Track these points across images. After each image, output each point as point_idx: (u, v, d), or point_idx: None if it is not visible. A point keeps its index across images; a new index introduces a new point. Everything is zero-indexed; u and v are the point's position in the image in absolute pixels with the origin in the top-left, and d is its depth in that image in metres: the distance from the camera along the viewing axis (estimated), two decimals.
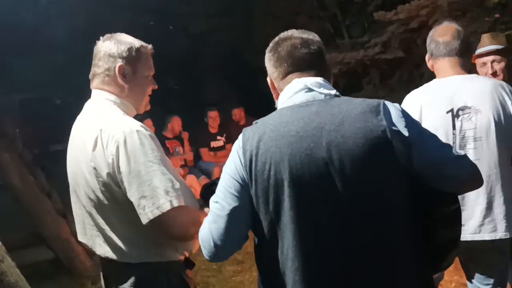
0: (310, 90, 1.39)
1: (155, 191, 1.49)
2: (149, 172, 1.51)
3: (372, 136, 1.27)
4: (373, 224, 1.28)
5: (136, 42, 1.72)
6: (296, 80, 1.42)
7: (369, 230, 1.28)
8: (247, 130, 1.39)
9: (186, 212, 1.57)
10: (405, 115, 1.35)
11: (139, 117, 1.77)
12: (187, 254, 1.73)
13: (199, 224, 1.49)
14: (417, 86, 6.82)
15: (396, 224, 1.30)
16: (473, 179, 1.42)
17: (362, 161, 1.26)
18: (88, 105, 1.74)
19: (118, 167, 1.52)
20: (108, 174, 1.55)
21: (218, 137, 6.64)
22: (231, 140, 6.73)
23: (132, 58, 1.69)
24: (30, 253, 4.38)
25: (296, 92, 1.40)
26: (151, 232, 1.56)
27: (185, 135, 6.47)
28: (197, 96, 9.75)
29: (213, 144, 6.58)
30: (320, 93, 1.38)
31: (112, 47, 1.68)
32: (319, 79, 1.42)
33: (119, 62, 1.67)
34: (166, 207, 1.49)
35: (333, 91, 1.40)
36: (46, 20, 9.54)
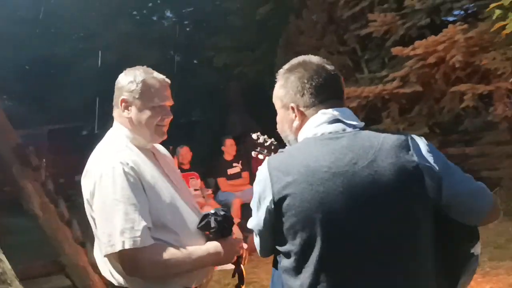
0: (338, 121, 1.35)
1: (113, 229, 1.54)
2: (113, 210, 1.55)
3: (405, 171, 1.25)
4: (405, 264, 1.27)
5: (142, 74, 1.73)
6: (323, 112, 1.37)
7: (401, 270, 1.27)
8: (272, 160, 1.36)
9: (151, 252, 1.57)
10: (432, 149, 1.33)
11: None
12: (192, 286, 1.71)
13: (170, 264, 1.57)
14: (437, 120, 6.92)
15: (426, 264, 1.30)
16: (494, 210, 1.38)
17: (396, 198, 1.25)
18: (106, 135, 1.80)
19: (93, 201, 1.61)
20: (89, 205, 1.64)
21: (234, 164, 6.70)
22: (248, 170, 6.83)
23: (134, 90, 1.71)
24: (49, 281, 4.47)
25: (323, 123, 1.35)
26: None
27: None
28: (220, 128, 9.95)
29: (230, 171, 6.63)
30: (349, 124, 1.35)
31: (120, 80, 1.75)
32: (347, 110, 1.39)
33: (123, 96, 1.73)
34: (118, 247, 1.53)
35: (362, 123, 1.37)
36: (78, 55, 10.00)
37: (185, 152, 6.31)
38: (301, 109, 1.40)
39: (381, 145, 1.28)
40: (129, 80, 1.72)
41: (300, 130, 1.41)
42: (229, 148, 6.70)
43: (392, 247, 1.26)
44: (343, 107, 1.40)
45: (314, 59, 1.44)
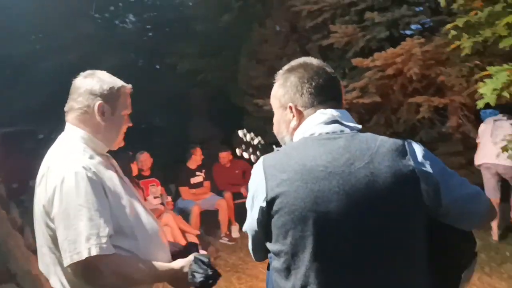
0: (336, 122, 1.36)
1: (78, 236, 1.49)
2: (77, 216, 1.50)
3: (401, 175, 1.26)
4: (397, 267, 1.27)
5: (118, 82, 1.76)
6: (322, 112, 1.38)
7: (393, 273, 1.27)
8: (268, 159, 1.35)
9: (113, 260, 1.53)
10: (428, 154, 1.34)
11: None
12: None
13: (131, 274, 1.54)
14: (394, 130, 7.07)
15: (419, 269, 1.31)
16: (491, 213, 1.43)
17: (391, 201, 1.26)
18: (59, 139, 1.74)
19: (52, 207, 1.54)
20: (46, 212, 1.57)
21: (197, 173, 6.68)
22: (209, 177, 6.79)
23: (112, 97, 1.71)
24: None
25: (321, 123, 1.36)
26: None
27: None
28: (182, 134, 9.87)
29: (193, 180, 6.61)
30: (347, 126, 1.36)
31: (94, 84, 1.71)
32: (345, 112, 1.40)
33: (99, 100, 1.70)
34: (84, 254, 1.47)
35: (359, 126, 1.38)
36: (34, 55, 9.70)
37: (145, 158, 6.21)
38: (300, 108, 1.41)
39: (378, 148, 1.29)
40: (108, 87, 1.71)
41: (297, 130, 1.41)
42: (198, 156, 6.65)
43: (385, 249, 1.27)
44: (342, 109, 1.41)
45: (314, 61, 1.45)
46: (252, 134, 2.00)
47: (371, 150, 1.28)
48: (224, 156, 6.96)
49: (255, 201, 1.34)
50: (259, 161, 1.36)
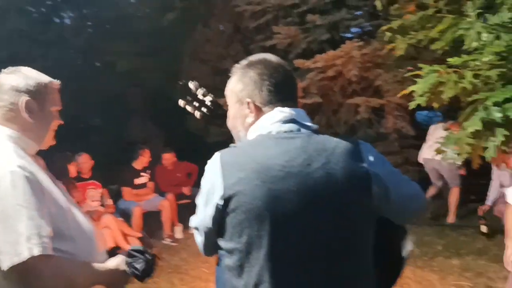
0: (293, 121, 1.37)
1: (19, 237, 1.41)
2: (16, 217, 1.42)
3: (356, 176, 1.30)
4: (349, 265, 1.32)
5: (44, 77, 1.69)
6: (280, 110, 1.38)
7: (345, 271, 1.31)
8: (225, 155, 1.34)
9: (54, 262, 1.47)
10: (377, 154, 1.39)
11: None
12: None
13: (72, 276, 1.47)
14: (334, 130, 7.24)
15: (367, 266, 1.36)
16: (424, 210, 1.56)
17: (346, 202, 1.30)
18: None
19: None
20: None
21: (142, 174, 6.55)
22: (152, 177, 6.67)
23: (39, 93, 1.65)
24: None
25: (278, 121, 1.36)
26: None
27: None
28: (121, 134, 9.63)
29: (136, 181, 6.48)
30: (304, 125, 1.37)
31: (18, 81, 1.63)
32: (301, 111, 1.41)
33: (26, 97, 1.62)
34: (25, 255, 1.39)
35: (315, 126, 1.40)
36: None
37: (84, 160, 5.98)
38: (258, 105, 1.40)
39: (333, 149, 1.31)
40: (33, 82, 1.64)
41: (253, 126, 1.40)
42: (146, 158, 6.53)
43: (338, 249, 1.30)
44: (298, 108, 1.41)
45: (273, 58, 1.45)
46: (205, 89, 1.86)
47: (327, 151, 1.31)
48: (168, 158, 6.85)
49: (210, 198, 1.32)
50: (215, 157, 1.34)
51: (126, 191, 6.37)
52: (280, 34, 6.71)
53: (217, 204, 1.29)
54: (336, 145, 1.33)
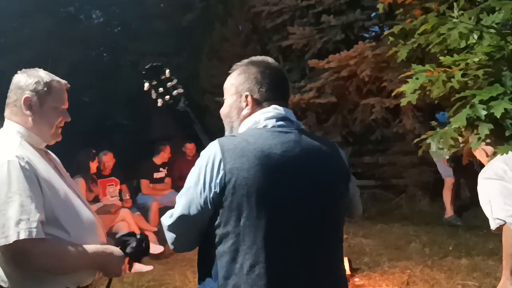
0: (286, 119, 1.48)
1: (7, 221, 1.54)
2: (7, 202, 1.57)
3: (340, 171, 1.51)
4: (331, 245, 1.50)
5: (48, 77, 1.81)
6: (275, 107, 1.48)
7: (329, 250, 1.49)
8: (225, 143, 1.40)
9: (44, 244, 1.59)
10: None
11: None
12: (72, 287, 1.71)
13: (65, 257, 1.61)
14: (351, 130, 7.25)
15: (340, 245, 1.56)
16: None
17: (333, 191, 1.48)
18: None
19: None
20: None
21: (161, 169, 6.74)
22: (171, 174, 6.87)
23: (39, 91, 1.77)
24: None
25: (274, 117, 1.46)
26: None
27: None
28: (143, 132, 9.87)
29: (156, 175, 6.66)
30: (294, 123, 1.49)
31: (21, 80, 1.78)
32: (291, 111, 1.52)
33: (26, 94, 1.76)
34: (13, 238, 1.52)
35: (303, 126, 1.54)
36: None
37: (108, 159, 6.18)
38: (256, 99, 1.50)
39: (320, 146, 1.48)
40: (34, 81, 1.77)
41: (248, 118, 1.50)
42: (166, 154, 6.72)
43: (325, 231, 1.47)
44: (289, 109, 1.54)
45: (272, 61, 1.58)
46: (175, 80, 1.88)
47: (316, 147, 1.47)
48: (191, 148, 7.02)
49: (207, 181, 1.37)
50: (214, 143, 1.41)
51: (144, 184, 6.57)
52: (296, 34, 6.80)
53: (216, 186, 1.36)
54: (322, 143, 1.50)
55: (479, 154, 2.39)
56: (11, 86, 1.81)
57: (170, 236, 1.49)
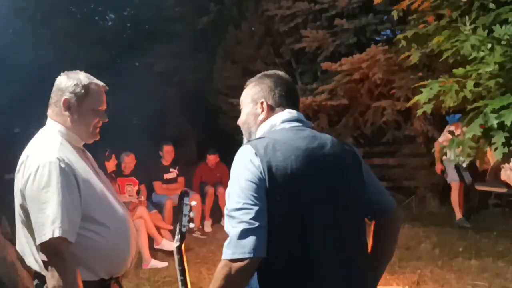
0: (299, 120, 1.64)
1: (46, 219, 1.67)
2: (47, 202, 1.68)
3: (352, 157, 1.61)
4: (358, 234, 1.58)
5: (87, 79, 1.90)
6: (289, 111, 1.64)
7: (357, 240, 1.58)
8: (255, 143, 1.52)
9: (73, 245, 1.70)
10: None
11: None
12: (105, 277, 1.84)
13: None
14: (361, 132, 7.40)
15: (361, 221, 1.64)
16: None
17: (353, 179, 1.59)
18: (40, 131, 1.92)
19: (27, 191, 1.73)
20: (22, 195, 1.76)
21: (171, 170, 6.86)
22: (184, 174, 7.01)
23: (78, 92, 1.86)
24: None
25: (289, 119, 1.62)
26: None
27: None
28: (157, 132, 10.01)
29: (166, 176, 6.79)
30: (306, 123, 1.64)
31: (62, 81, 1.88)
32: (302, 115, 1.68)
33: (65, 96, 1.86)
34: (48, 235, 1.65)
35: (313, 125, 1.70)
36: (12, 50, 9.69)
37: (130, 160, 6.33)
38: (271, 105, 1.66)
39: (332, 139, 1.60)
40: (73, 83, 1.87)
41: (264, 122, 1.65)
42: (166, 154, 6.83)
43: (351, 217, 1.56)
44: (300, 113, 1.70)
45: (284, 74, 1.75)
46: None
47: (329, 140, 1.59)
48: (212, 159, 7.22)
49: (257, 183, 1.44)
50: (246, 147, 1.52)
51: (157, 185, 6.71)
52: (309, 37, 6.90)
53: (263, 183, 1.44)
54: (332, 138, 1.62)
55: (506, 176, 2.38)
56: (53, 88, 1.91)
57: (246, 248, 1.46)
